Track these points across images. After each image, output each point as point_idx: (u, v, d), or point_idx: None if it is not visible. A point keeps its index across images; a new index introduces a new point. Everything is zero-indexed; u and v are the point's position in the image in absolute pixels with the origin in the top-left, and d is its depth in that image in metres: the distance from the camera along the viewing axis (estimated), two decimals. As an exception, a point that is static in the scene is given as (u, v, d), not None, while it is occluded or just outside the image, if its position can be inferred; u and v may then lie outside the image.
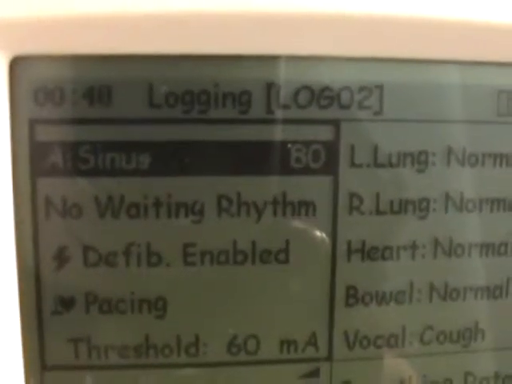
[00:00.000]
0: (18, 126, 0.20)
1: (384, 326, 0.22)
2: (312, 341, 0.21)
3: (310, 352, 0.22)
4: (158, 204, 0.20)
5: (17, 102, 0.20)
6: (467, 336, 0.22)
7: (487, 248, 0.22)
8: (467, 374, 0.22)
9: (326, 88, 0.20)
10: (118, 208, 0.20)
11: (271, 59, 0.20)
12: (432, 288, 0.22)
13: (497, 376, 0.23)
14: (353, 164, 0.21)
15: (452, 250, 0.21)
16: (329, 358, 0.22)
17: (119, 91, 0.20)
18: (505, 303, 0.22)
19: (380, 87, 0.21)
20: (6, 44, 0.19)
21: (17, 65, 0.20)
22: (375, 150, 0.21)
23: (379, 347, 0.22)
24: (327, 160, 0.21)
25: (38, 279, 0.20)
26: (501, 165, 0.21)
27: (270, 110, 0.20)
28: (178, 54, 0.20)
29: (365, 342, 0.22)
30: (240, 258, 0.21)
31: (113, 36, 0.19)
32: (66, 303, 0.21)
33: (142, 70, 0.20)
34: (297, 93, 0.20)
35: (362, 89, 0.20)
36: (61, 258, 0.20)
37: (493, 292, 0.22)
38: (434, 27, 0.20)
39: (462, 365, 0.22)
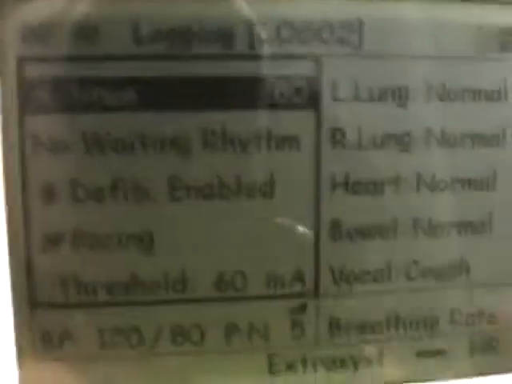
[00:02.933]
0: (6, 64, 0.20)
1: (370, 261, 0.22)
2: (298, 276, 0.22)
3: (297, 287, 0.22)
4: (144, 139, 0.21)
5: (5, 39, 0.20)
6: (452, 272, 0.22)
7: (469, 183, 0.22)
8: (453, 310, 0.23)
9: (307, 23, 0.21)
10: (104, 143, 0.21)
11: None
12: (416, 223, 0.22)
13: (481, 313, 0.23)
14: (335, 98, 0.21)
15: (434, 184, 0.22)
16: (315, 293, 0.22)
17: (105, 29, 0.20)
18: (489, 238, 0.22)
19: (360, 22, 0.21)
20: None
21: (5, 3, 0.20)
22: (356, 84, 0.21)
23: (365, 283, 0.22)
24: (310, 95, 0.21)
25: (25, 216, 0.21)
26: (480, 99, 0.22)
27: (252, 46, 0.21)
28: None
29: (351, 278, 0.22)
30: (225, 192, 0.21)
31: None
32: (54, 240, 0.21)
33: (127, 8, 0.20)
34: (278, 28, 0.21)
35: (342, 24, 0.21)
36: (48, 194, 0.21)
37: (477, 227, 0.22)
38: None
39: (447, 301, 0.23)
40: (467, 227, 0.22)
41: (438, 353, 0.23)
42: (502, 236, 0.22)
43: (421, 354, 0.23)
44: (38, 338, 0.21)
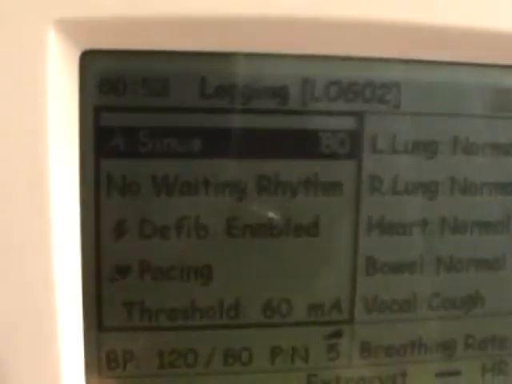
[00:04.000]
0: (84, 113, 0.22)
1: (398, 293, 0.25)
2: (336, 305, 0.24)
3: (335, 315, 0.25)
4: (206, 183, 0.23)
5: (85, 91, 0.22)
6: (469, 302, 0.25)
7: (486, 225, 0.25)
8: (468, 336, 0.26)
9: (352, 84, 0.24)
10: (172, 186, 0.23)
11: (307, 58, 0.23)
12: (439, 260, 0.25)
13: (494, 338, 0.26)
14: (374, 150, 0.24)
15: (457, 227, 0.25)
16: (350, 320, 0.25)
17: (175, 83, 0.23)
18: (501, 274, 0.25)
19: (398, 84, 0.24)
20: (78, 40, 0.22)
21: (86, 58, 0.22)
22: (394, 138, 0.24)
23: (394, 311, 0.25)
24: (352, 146, 0.24)
25: (98, 249, 0.23)
26: (497, 153, 0.25)
27: (304, 103, 0.23)
28: (228, 51, 0.23)
29: (382, 307, 0.25)
30: (276, 231, 0.24)
31: (170, 35, 0.22)
32: (122, 271, 0.23)
33: (196, 65, 0.23)
34: (327, 87, 0.23)
35: (382, 85, 0.24)
36: (119, 230, 0.23)
37: (492, 264, 0.25)
38: (448, 34, 0.23)
39: (463, 328, 0.26)
40: (483, 264, 0.25)
41: (454, 373, 0.26)
42: (512, 272, 0.26)
43: (439, 375, 0.26)
44: (103, 357, 0.24)
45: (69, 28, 0.21)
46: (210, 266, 0.24)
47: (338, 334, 0.25)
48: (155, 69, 0.23)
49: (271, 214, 0.24)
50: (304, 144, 0.24)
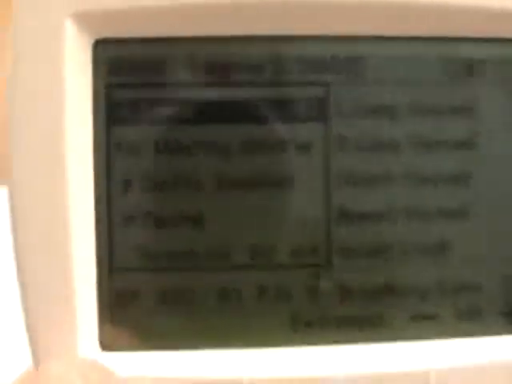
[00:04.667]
0: (97, 90, 0.28)
1: (371, 240, 0.28)
2: (314, 250, 0.28)
3: (313, 259, 0.28)
4: (198, 145, 0.28)
5: (97, 72, 0.28)
6: (439, 249, 0.28)
7: (450, 179, 0.28)
8: (441, 281, 0.28)
9: (320, 58, 0.28)
10: (170, 149, 0.28)
11: (279, 37, 0.28)
12: (407, 211, 0.28)
13: (467, 284, 0.28)
14: (340, 114, 0.28)
15: (421, 181, 0.28)
16: (328, 264, 0.28)
17: (172, 63, 0.28)
18: (468, 223, 0.28)
19: (363, 58, 0.28)
20: (91, 30, 0.28)
21: (98, 46, 0.28)
22: (357, 104, 0.28)
23: (368, 258, 0.28)
24: (320, 111, 0.28)
25: (108, 201, 0.28)
26: (455, 113, 0.28)
27: (278, 76, 0.28)
28: (218, 35, 0.28)
29: (356, 253, 0.28)
30: (259, 185, 0.28)
31: (166, 23, 0.28)
32: (129, 220, 0.28)
33: (189, 47, 0.28)
34: (298, 61, 0.28)
35: (348, 59, 0.28)
36: (126, 185, 0.28)
37: (458, 214, 0.28)
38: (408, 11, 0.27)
39: (436, 273, 0.28)
40: (450, 213, 0.28)
41: (429, 317, 0.28)
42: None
43: (414, 318, 0.28)
44: (114, 295, 0.28)
45: (83, 20, 0.27)
46: (203, 216, 0.28)
47: (316, 277, 0.28)
48: (156, 52, 0.28)
49: None
50: (279, 110, 0.28)
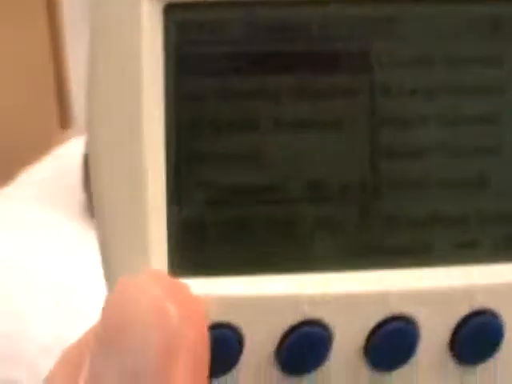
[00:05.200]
0: (169, 46, 0.32)
1: (414, 174, 0.31)
2: (363, 184, 0.31)
3: (362, 193, 0.31)
4: (254, 93, 0.31)
5: (168, 33, 0.32)
6: (476, 183, 0.31)
7: (486, 119, 0.31)
8: (480, 212, 0.31)
9: (362, 19, 0.32)
10: (230, 95, 0.31)
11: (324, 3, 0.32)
12: (447, 149, 0.31)
13: (507, 215, 0.31)
14: (382, 65, 0.32)
15: (459, 121, 0.31)
16: (377, 196, 0.31)
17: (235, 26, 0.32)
18: (504, 159, 0.31)
19: (402, 19, 0.32)
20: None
21: (169, 10, 0.32)
22: (397, 55, 0.32)
23: (413, 190, 0.31)
24: (364, 63, 0.32)
25: (179, 139, 0.31)
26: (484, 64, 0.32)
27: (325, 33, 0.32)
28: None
29: (402, 186, 0.31)
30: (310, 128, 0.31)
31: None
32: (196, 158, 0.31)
33: (254, 11, 0.32)
34: (343, 22, 0.32)
35: (387, 20, 0.32)
36: (193, 126, 0.31)
37: (494, 150, 0.31)
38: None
39: (475, 204, 0.31)
40: (486, 150, 0.31)
41: (471, 245, 0.31)
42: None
43: (459, 246, 0.31)
44: (182, 225, 0.31)
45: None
46: (261, 154, 0.31)
47: (366, 209, 0.31)
48: (217, 15, 0.32)
49: None
50: (328, 63, 0.32)
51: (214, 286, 0.30)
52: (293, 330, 0.30)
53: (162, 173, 0.31)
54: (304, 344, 0.30)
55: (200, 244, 0.31)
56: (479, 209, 0.31)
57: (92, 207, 0.32)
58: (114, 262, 0.30)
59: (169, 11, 0.32)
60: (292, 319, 0.30)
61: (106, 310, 0.28)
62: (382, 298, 0.30)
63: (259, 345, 0.30)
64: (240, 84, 0.31)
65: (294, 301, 0.30)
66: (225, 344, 0.30)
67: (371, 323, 0.30)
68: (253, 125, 0.31)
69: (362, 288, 0.30)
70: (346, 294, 0.30)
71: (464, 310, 0.30)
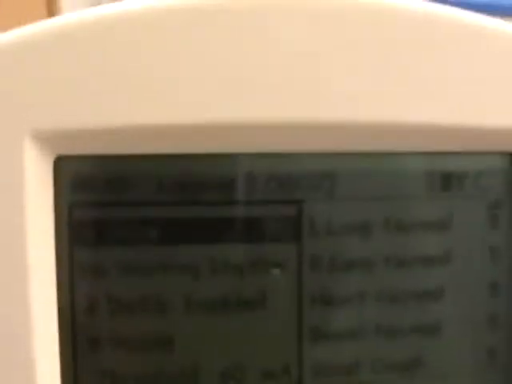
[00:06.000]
0: (59, 209, 0.27)
1: (342, 358, 0.28)
2: (287, 371, 0.27)
3: (286, 380, 0.27)
4: (164, 266, 0.27)
5: (59, 190, 0.27)
6: (410, 366, 0.28)
7: (423, 296, 0.28)
8: None
9: (290, 176, 0.27)
10: (133, 269, 0.27)
11: (248, 155, 0.27)
12: (379, 329, 0.28)
13: None
14: (313, 233, 0.27)
15: (394, 298, 0.28)
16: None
17: (134, 181, 0.27)
18: (440, 339, 0.28)
19: (332, 174, 0.27)
20: (51, 148, 0.26)
21: (59, 162, 0.26)
22: (330, 222, 0.27)
23: (340, 375, 0.28)
24: (293, 230, 0.27)
25: (73, 324, 0.27)
26: (431, 229, 0.28)
27: (248, 194, 0.27)
28: (180, 153, 0.27)
29: (328, 372, 0.28)
30: (228, 307, 0.27)
31: (127, 141, 0.26)
32: (95, 342, 0.27)
33: (152, 165, 0.27)
34: (268, 180, 0.27)
35: (317, 175, 0.27)
36: (91, 306, 0.27)
37: (430, 330, 0.28)
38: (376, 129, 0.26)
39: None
40: (422, 330, 0.28)
41: None
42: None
43: None
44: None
45: (43, 137, 0.26)
46: (172, 338, 0.27)
47: (289, 398, 0.28)
48: (118, 170, 0.27)
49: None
50: (250, 230, 0.27)
51: None
52: None
53: (56, 361, 0.27)
54: None
55: None
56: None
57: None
58: None
59: (60, 164, 0.26)
60: None
61: None
62: None
63: None
64: (142, 256, 0.27)
65: None
66: None
67: None
68: (161, 304, 0.27)
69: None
70: None
71: None
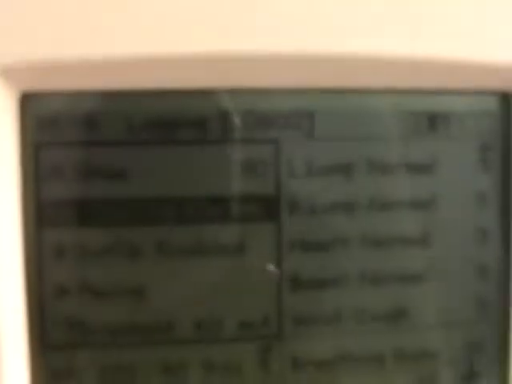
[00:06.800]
0: (25, 150, 0.25)
1: (324, 308, 0.26)
2: (265, 321, 0.26)
3: (264, 331, 0.26)
4: (139, 205, 0.25)
5: (24, 129, 0.25)
6: (394, 316, 0.27)
7: (406, 242, 0.27)
8: (396, 349, 0.27)
9: (268, 113, 0.26)
10: (104, 218, 0.25)
11: (227, 92, 0.25)
12: (362, 276, 0.26)
13: (424, 351, 0.27)
14: (291, 175, 0.26)
15: (377, 243, 0.26)
16: (280, 335, 0.26)
17: (103, 119, 0.25)
18: (424, 288, 0.27)
19: (311, 113, 0.26)
20: (16, 83, 0.25)
21: (24, 100, 0.25)
22: (309, 163, 0.26)
23: (321, 326, 0.26)
24: (270, 171, 0.26)
25: (40, 272, 0.25)
26: (413, 173, 0.27)
27: (223, 132, 0.26)
28: (152, 88, 0.25)
29: (309, 322, 0.26)
30: (206, 254, 0.26)
31: (96, 76, 0.25)
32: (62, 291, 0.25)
33: (121, 102, 0.25)
34: (245, 117, 0.26)
35: (296, 114, 0.26)
36: (59, 254, 0.25)
37: (414, 279, 0.27)
38: (356, 63, 0.25)
39: (391, 341, 0.27)
40: (405, 278, 0.27)
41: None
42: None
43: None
44: (48, 375, 0.26)
45: (7, 72, 0.24)
46: (144, 287, 0.26)
47: (267, 349, 0.26)
48: (85, 107, 0.25)
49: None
50: (225, 171, 0.26)
51: None
52: None
53: (20, 310, 0.25)
54: None
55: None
56: (395, 344, 0.27)
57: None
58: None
59: (26, 102, 0.25)
60: None
61: None
62: None
63: None
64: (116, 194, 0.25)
65: None
66: None
67: None
68: (133, 249, 0.26)
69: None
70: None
71: None
